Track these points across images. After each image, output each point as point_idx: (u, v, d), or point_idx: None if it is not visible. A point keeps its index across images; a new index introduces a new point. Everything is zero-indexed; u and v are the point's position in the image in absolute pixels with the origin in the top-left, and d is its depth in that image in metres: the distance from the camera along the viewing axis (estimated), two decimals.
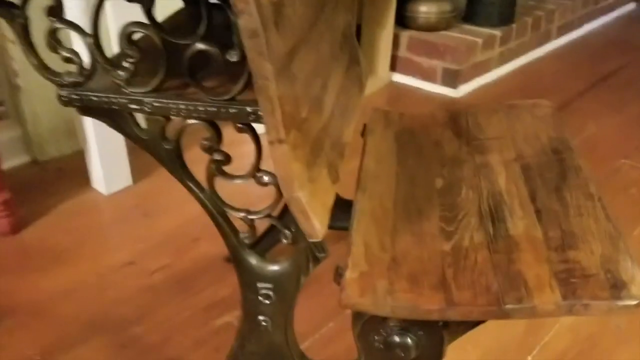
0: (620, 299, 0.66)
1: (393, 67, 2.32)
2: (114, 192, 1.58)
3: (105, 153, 1.51)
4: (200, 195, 0.72)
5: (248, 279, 0.77)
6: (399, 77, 2.32)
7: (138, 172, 1.61)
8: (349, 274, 0.70)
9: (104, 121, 0.71)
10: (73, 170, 1.65)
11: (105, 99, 0.68)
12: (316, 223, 0.65)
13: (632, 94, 2.21)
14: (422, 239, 0.78)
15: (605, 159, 1.75)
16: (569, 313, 0.67)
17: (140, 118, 0.65)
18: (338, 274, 0.73)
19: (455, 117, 1.07)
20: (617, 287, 0.66)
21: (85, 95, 0.68)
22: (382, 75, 2.27)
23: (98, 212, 1.52)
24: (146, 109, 0.66)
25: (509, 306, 0.66)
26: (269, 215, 0.73)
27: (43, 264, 1.33)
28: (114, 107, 0.68)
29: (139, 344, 1.13)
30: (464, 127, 1.03)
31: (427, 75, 2.25)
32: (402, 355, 0.75)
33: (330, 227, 1.32)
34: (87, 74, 0.68)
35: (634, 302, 0.65)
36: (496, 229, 0.78)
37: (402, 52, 2.29)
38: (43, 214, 1.50)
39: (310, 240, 0.67)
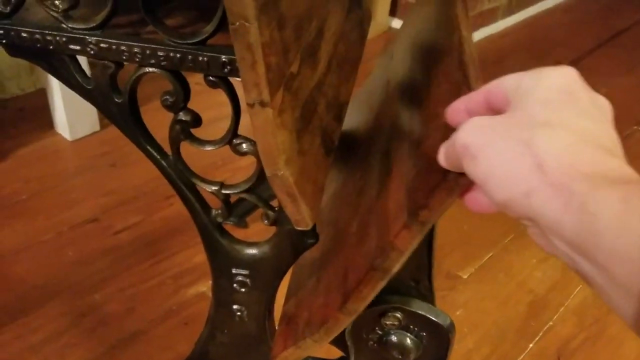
0: None
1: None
2: (79, 137, 1.42)
3: (69, 94, 1.33)
4: (162, 162, 0.58)
5: (221, 263, 0.64)
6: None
7: None
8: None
9: (39, 64, 0.56)
10: (35, 110, 1.48)
11: (39, 36, 0.52)
12: (305, 208, 0.52)
13: None
14: None
15: (615, 125, 1.62)
16: None
17: (85, 62, 0.50)
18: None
19: None
20: None
21: (14, 29, 0.53)
22: (380, 21, 2.09)
23: (60, 160, 1.37)
24: (89, 50, 0.51)
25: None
26: (248, 190, 0.59)
27: None
28: (49, 46, 0.52)
29: (99, 313, 1.01)
30: None
31: None
32: (400, 357, 0.64)
33: None
34: (15, 3, 0.52)
35: None
36: None
37: None
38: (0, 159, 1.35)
39: (298, 228, 0.53)
